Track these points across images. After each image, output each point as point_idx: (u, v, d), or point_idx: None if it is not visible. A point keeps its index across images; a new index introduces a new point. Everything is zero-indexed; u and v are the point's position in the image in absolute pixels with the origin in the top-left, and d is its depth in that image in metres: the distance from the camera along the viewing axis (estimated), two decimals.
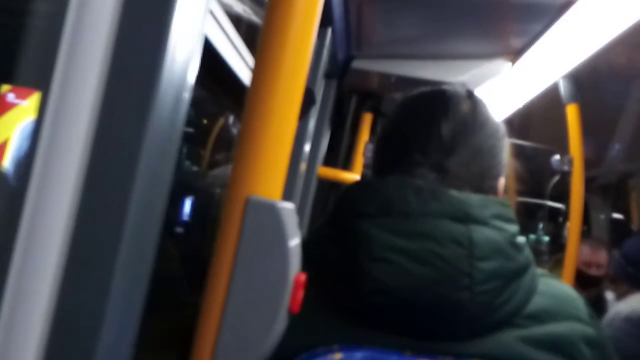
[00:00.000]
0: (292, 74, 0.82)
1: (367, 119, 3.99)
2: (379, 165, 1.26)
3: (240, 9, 1.86)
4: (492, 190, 1.21)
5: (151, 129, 0.72)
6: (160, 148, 0.76)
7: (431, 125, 1.19)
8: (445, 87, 1.29)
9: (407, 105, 1.30)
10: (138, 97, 0.71)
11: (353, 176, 3.67)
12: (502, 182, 1.24)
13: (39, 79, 0.73)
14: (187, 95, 0.79)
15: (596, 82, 3.26)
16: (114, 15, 0.71)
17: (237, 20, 1.59)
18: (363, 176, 3.68)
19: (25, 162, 0.72)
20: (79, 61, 0.71)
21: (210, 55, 1.40)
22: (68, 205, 0.71)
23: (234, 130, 6.83)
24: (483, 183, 1.19)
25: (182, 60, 0.76)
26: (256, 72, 0.83)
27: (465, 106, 1.22)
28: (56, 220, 0.71)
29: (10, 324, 0.70)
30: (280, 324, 0.81)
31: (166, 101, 0.74)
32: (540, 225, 6.52)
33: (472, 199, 1.10)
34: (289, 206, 0.83)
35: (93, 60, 0.71)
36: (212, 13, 1.30)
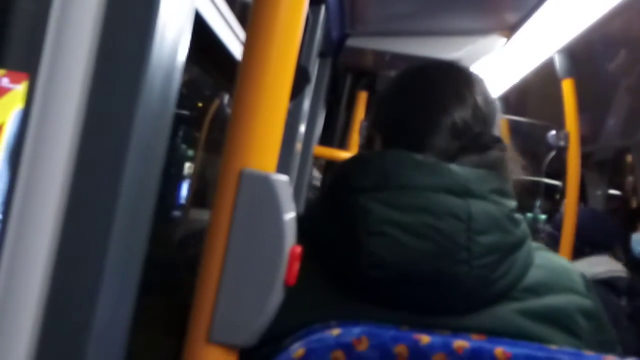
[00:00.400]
0: (284, 48, 0.82)
1: (362, 97, 3.98)
2: (388, 133, 1.23)
3: None
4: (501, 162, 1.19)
5: (142, 105, 0.71)
6: (152, 125, 0.75)
7: (464, 92, 1.19)
8: (450, 63, 1.29)
9: (423, 73, 1.29)
10: (128, 73, 0.71)
11: (349, 154, 3.66)
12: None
13: (29, 62, 0.72)
14: (178, 72, 0.78)
15: (591, 56, 3.25)
16: None
17: None
18: None
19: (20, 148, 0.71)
20: (67, 39, 0.70)
21: (201, 30, 1.39)
22: (59, 187, 0.70)
23: (229, 111, 6.83)
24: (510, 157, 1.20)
25: (172, 36, 0.75)
26: (247, 45, 0.82)
27: (481, 81, 1.23)
28: (48, 203, 0.70)
29: (1, 310, 0.69)
30: (277, 297, 0.81)
31: (157, 78, 0.73)
32: (537, 203, 6.53)
33: (471, 174, 1.09)
34: (283, 178, 0.82)
35: (81, 36, 0.71)
36: None
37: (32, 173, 0.70)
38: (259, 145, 0.80)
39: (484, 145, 1.16)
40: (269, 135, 0.81)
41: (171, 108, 0.79)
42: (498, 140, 1.18)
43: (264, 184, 0.79)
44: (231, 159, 0.80)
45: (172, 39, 0.75)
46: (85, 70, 0.70)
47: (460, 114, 1.17)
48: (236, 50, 1.68)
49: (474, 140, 1.16)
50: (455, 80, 1.22)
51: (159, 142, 0.78)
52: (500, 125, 1.24)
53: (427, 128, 1.17)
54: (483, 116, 1.18)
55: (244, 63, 0.81)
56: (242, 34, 1.71)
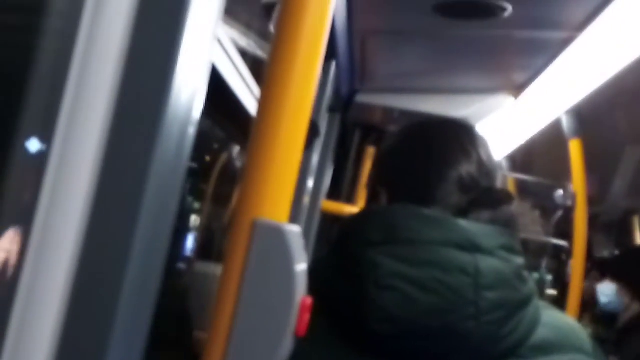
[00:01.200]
0: (298, 103, 0.83)
1: (370, 153, 4.00)
2: (393, 190, 1.24)
3: (245, 43, 1.87)
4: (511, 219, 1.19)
5: (157, 160, 0.71)
6: (166, 180, 0.75)
7: (469, 148, 1.20)
8: (454, 119, 1.30)
9: (428, 129, 1.29)
10: (144, 127, 0.71)
11: (356, 210, 3.67)
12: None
13: (47, 122, 0.73)
14: (193, 127, 0.79)
15: (599, 117, 3.27)
16: (123, 38, 0.72)
17: (242, 55, 1.60)
18: None
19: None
20: (85, 93, 0.71)
21: (216, 84, 1.41)
22: (74, 238, 0.70)
23: (238, 164, 6.84)
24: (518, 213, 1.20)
25: (189, 90, 0.76)
26: (263, 100, 0.84)
27: (482, 138, 1.24)
28: (62, 256, 0.70)
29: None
30: (287, 348, 0.81)
31: (172, 133, 0.74)
32: (544, 263, 6.50)
33: (479, 229, 1.10)
34: (295, 229, 0.83)
35: (100, 87, 0.72)
36: (219, 41, 1.31)
37: (46, 233, 0.71)
38: (272, 196, 0.81)
39: (496, 201, 1.16)
40: (282, 186, 0.82)
41: (185, 162, 0.80)
42: (510, 195, 1.18)
43: (277, 235, 0.80)
44: (244, 209, 0.81)
45: (188, 93, 0.76)
46: (103, 123, 0.71)
47: (466, 168, 1.17)
48: (249, 103, 1.70)
49: (485, 195, 1.16)
50: (459, 136, 1.23)
51: (171, 197, 0.78)
52: (504, 182, 1.24)
53: (433, 182, 1.17)
54: (488, 171, 1.19)
55: (259, 117, 0.83)
56: (255, 89, 1.73)
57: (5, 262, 0.83)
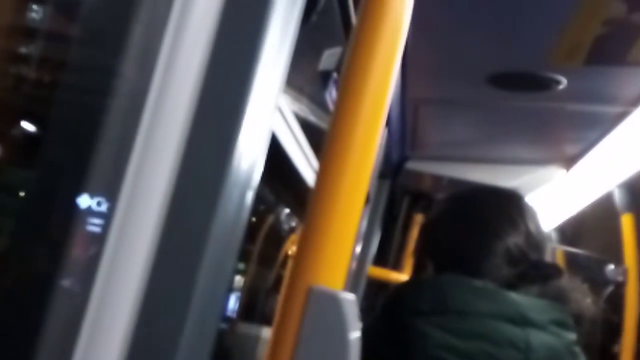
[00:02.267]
0: (357, 175, 0.84)
1: (418, 220, 3.98)
2: (439, 260, 1.24)
3: (298, 107, 1.90)
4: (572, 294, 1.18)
5: (217, 223, 0.73)
6: (224, 244, 0.76)
7: (517, 219, 1.19)
8: (502, 189, 1.30)
9: (476, 199, 1.29)
10: (207, 192, 0.72)
11: (403, 277, 3.65)
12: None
13: (112, 184, 0.75)
14: (252, 191, 0.81)
15: None
16: (189, 105, 0.74)
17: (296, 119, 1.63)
18: None
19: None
20: (152, 154, 0.73)
21: (275, 150, 1.43)
22: (132, 302, 0.71)
23: (286, 227, 6.85)
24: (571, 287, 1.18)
25: (251, 155, 0.77)
26: (322, 171, 0.85)
27: (532, 209, 1.23)
28: (120, 317, 0.71)
29: None
30: None
31: (233, 197, 0.75)
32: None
33: (530, 303, 1.09)
34: (350, 297, 0.83)
35: (165, 155, 0.73)
36: (280, 109, 1.34)
37: (104, 299, 0.72)
38: (328, 263, 0.82)
39: (545, 275, 1.15)
40: (339, 254, 0.82)
41: (243, 227, 0.80)
42: (559, 269, 1.17)
43: (333, 302, 0.80)
44: (299, 275, 0.82)
45: (250, 159, 0.77)
46: (167, 186, 0.73)
47: (514, 240, 1.16)
48: (305, 170, 1.72)
49: (534, 268, 1.15)
50: (507, 206, 1.23)
51: (228, 260, 0.79)
52: (553, 254, 1.24)
53: (480, 254, 1.17)
54: (536, 243, 1.18)
55: (318, 184, 0.84)
56: (309, 152, 1.75)
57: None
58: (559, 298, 1.14)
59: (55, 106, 0.99)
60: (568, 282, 1.18)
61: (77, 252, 0.85)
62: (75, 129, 0.95)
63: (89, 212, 0.84)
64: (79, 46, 0.99)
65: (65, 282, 0.84)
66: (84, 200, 0.85)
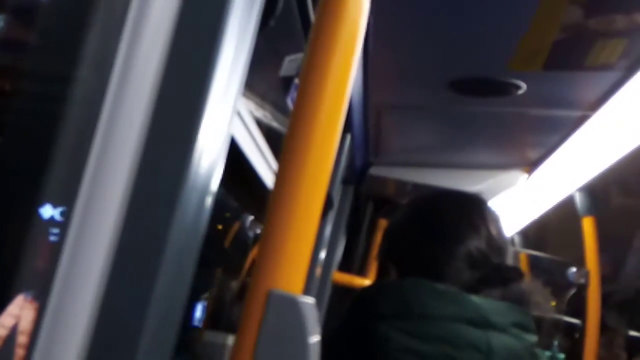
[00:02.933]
0: (316, 177, 0.84)
1: (382, 226, 4.00)
2: (401, 264, 1.24)
3: (261, 114, 1.90)
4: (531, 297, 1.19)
5: (175, 228, 0.72)
6: (184, 249, 0.75)
7: (478, 223, 1.19)
8: (463, 193, 1.30)
9: (437, 202, 1.30)
10: (164, 197, 0.72)
11: (368, 282, 3.65)
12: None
13: (67, 192, 0.74)
14: (211, 197, 0.80)
15: (612, 195, 3.28)
16: (146, 108, 0.73)
17: (258, 125, 1.63)
18: None
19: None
20: (108, 158, 0.73)
21: (233, 155, 1.42)
22: (89, 312, 0.71)
23: (250, 233, 6.84)
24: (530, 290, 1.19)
25: (208, 162, 0.77)
26: (280, 174, 0.85)
27: (493, 212, 1.24)
28: (79, 321, 0.71)
29: None
30: None
31: (191, 202, 0.74)
32: (555, 342, 6.41)
33: (492, 305, 1.10)
34: (309, 301, 0.83)
35: (123, 155, 0.73)
36: (239, 114, 1.34)
37: (62, 303, 0.71)
38: (288, 267, 0.81)
39: (506, 278, 1.16)
40: (298, 258, 0.82)
41: (202, 233, 0.80)
42: (520, 273, 1.18)
43: (291, 306, 0.80)
44: (259, 279, 0.82)
45: (208, 164, 0.77)
46: (123, 191, 0.72)
47: (475, 244, 1.17)
48: (264, 173, 1.72)
49: (495, 272, 1.16)
50: (468, 210, 1.23)
51: (187, 267, 0.79)
52: (515, 258, 1.25)
53: (441, 258, 1.17)
54: (498, 247, 1.18)
55: (276, 189, 0.84)
56: (271, 159, 1.75)
57: (20, 330, 0.83)
58: (520, 301, 1.14)
59: (11, 113, 0.98)
60: (529, 285, 1.19)
61: (33, 259, 0.85)
62: (31, 134, 0.94)
63: (46, 219, 0.84)
64: (34, 52, 0.98)
65: (23, 289, 0.83)
66: (41, 207, 0.84)
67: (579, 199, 3.17)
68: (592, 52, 1.89)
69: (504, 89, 2.25)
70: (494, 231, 1.19)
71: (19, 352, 0.90)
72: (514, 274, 1.17)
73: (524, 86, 2.21)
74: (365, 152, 3.21)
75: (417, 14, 1.81)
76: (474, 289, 1.14)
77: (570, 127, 2.56)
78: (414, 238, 1.25)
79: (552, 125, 2.64)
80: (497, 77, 2.18)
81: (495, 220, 1.23)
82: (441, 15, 1.80)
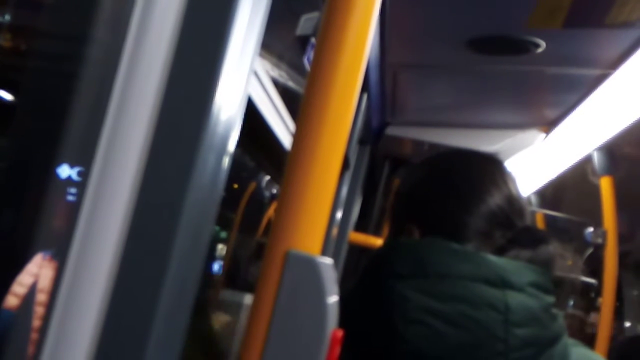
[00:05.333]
0: (333, 139, 0.84)
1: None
2: (423, 224, 1.22)
3: (277, 73, 1.89)
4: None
5: (193, 188, 0.72)
6: (201, 209, 0.76)
7: (499, 181, 1.18)
8: (480, 153, 1.29)
9: (456, 161, 1.28)
10: (182, 156, 0.72)
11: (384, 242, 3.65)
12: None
13: (84, 155, 0.74)
14: (229, 157, 0.80)
15: (631, 155, 3.25)
16: (163, 67, 0.73)
17: (275, 85, 1.62)
18: None
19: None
20: (125, 120, 0.73)
21: (249, 115, 1.42)
22: (111, 260, 0.71)
23: (267, 193, 6.85)
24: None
25: (225, 120, 0.77)
26: (298, 135, 0.85)
27: (510, 172, 1.23)
28: (99, 277, 0.71)
29: None
30: None
31: (209, 162, 0.74)
32: (571, 302, 6.42)
33: (509, 265, 1.09)
34: (327, 261, 0.84)
35: (140, 116, 0.73)
36: (256, 74, 1.33)
37: (81, 258, 0.71)
38: (305, 228, 0.82)
39: (536, 240, 1.15)
40: (316, 219, 0.82)
41: (220, 192, 0.80)
42: (548, 235, 1.17)
43: (309, 266, 0.80)
44: (277, 240, 0.82)
45: (225, 124, 0.77)
46: (140, 152, 0.72)
47: (497, 202, 1.16)
48: (282, 134, 1.71)
49: (524, 234, 1.15)
50: (488, 168, 1.22)
51: (206, 226, 0.79)
52: (532, 218, 1.24)
53: (464, 217, 1.16)
54: (519, 207, 1.18)
55: (294, 149, 0.84)
56: (288, 120, 1.74)
57: (39, 289, 0.84)
58: (547, 264, 1.14)
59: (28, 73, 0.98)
60: (557, 248, 1.18)
61: (51, 221, 0.85)
62: (47, 98, 0.94)
63: (63, 178, 0.84)
64: (51, 13, 0.98)
65: (41, 249, 0.84)
66: (59, 167, 0.85)
67: (597, 159, 3.15)
68: (613, 10, 1.87)
69: (522, 48, 2.22)
70: (514, 191, 1.18)
71: (38, 310, 0.91)
72: (543, 236, 1.16)
73: (543, 44, 2.18)
74: (382, 111, 3.19)
75: None
76: (503, 249, 1.13)
77: (589, 86, 2.54)
78: (432, 197, 1.23)
79: (570, 84, 2.61)
80: (515, 35, 2.15)
81: (514, 180, 1.22)
82: None
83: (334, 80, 0.83)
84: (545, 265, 1.12)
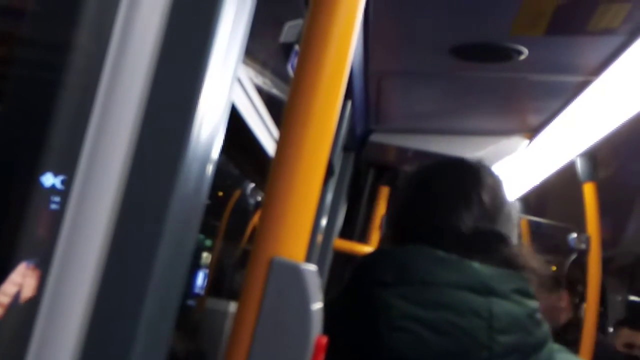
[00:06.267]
0: (317, 145, 0.84)
1: (383, 192, 4.00)
2: (399, 233, 1.24)
3: (261, 81, 1.89)
4: (522, 260, 1.18)
5: (177, 196, 0.72)
6: (185, 217, 0.75)
7: (470, 192, 1.18)
8: (464, 158, 1.30)
9: (433, 172, 1.29)
10: (165, 164, 0.72)
11: (369, 249, 3.66)
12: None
13: (67, 163, 0.74)
14: (212, 164, 0.80)
15: (613, 161, 3.27)
16: (146, 74, 0.72)
17: (258, 93, 1.62)
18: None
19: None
20: (108, 128, 0.72)
21: (233, 122, 1.42)
22: (94, 267, 0.71)
23: (252, 201, 6.84)
24: (518, 253, 1.18)
25: (209, 128, 0.77)
26: (281, 141, 0.85)
27: (490, 178, 1.23)
28: (81, 285, 0.70)
29: None
30: None
31: (192, 170, 0.74)
32: None
33: (493, 272, 1.10)
34: (312, 268, 0.84)
35: (123, 124, 0.72)
36: (239, 81, 1.33)
37: (65, 266, 0.71)
38: (289, 235, 0.82)
39: (488, 244, 1.15)
40: (300, 225, 0.82)
41: (203, 200, 0.80)
42: (502, 237, 1.17)
43: (294, 273, 0.80)
44: (262, 247, 0.82)
45: (209, 131, 0.77)
46: (124, 160, 0.72)
47: (464, 213, 1.16)
48: (266, 141, 1.71)
49: (475, 238, 1.15)
50: (462, 179, 1.22)
51: (189, 235, 0.79)
52: (515, 221, 1.23)
53: (433, 228, 1.17)
54: (490, 214, 1.18)
55: (277, 156, 0.84)
56: (272, 127, 1.74)
57: (22, 297, 0.83)
58: (510, 265, 1.14)
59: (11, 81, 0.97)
60: (515, 250, 1.17)
61: (35, 230, 0.84)
62: (30, 106, 0.94)
63: (47, 187, 0.83)
64: (34, 20, 0.97)
65: (25, 258, 0.83)
66: (42, 177, 0.84)
67: (580, 165, 3.17)
68: (594, 17, 1.88)
69: (505, 55, 2.23)
70: (486, 198, 1.18)
71: (21, 319, 0.90)
72: (495, 238, 1.16)
73: (525, 51, 2.19)
74: (366, 118, 3.20)
75: None
76: (467, 256, 1.13)
77: (571, 93, 2.55)
78: (408, 208, 1.25)
79: (553, 91, 2.63)
80: (498, 42, 2.16)
81: (491, 186, 1.21)
82: None
83: (318, 87, 0.83)
84: (507, 266, 1.13)
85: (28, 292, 0.83)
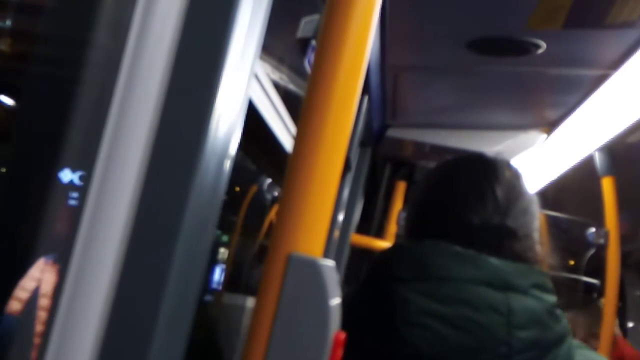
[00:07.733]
0: (334, 141, 0.84)
1: (400, 187, 3.99)
2: (416, 228, 1.24)
3: (278, 76, 1.89)
4: (533, 255, 1.17)
5: (195, 193, 0.72)
6: (203, 214, 0.75)
7: (484, 188, 1.18)
8: (483, 154, 1.29)
9: (450, 169, 1.29)
10: (183, 161, 0.72)
11: (386, 244, 3.65)
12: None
13: (85, 160, 0.74)
14: (230, 160, 0.80)
15: (632, 155, 3.25)
16: (164, 70, 0.73)
17: (275, 88, 1.62)
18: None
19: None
20: (126, 124, 0.73)
21: (250, 118, 1.42)
22: (114, 263, 0.71)
23: (269, 196, 6.85)
24: (529, 247, 1.17)
25: (227, 125, 0.77)
26: (299, 137, 0.85)
27: (507, 172, 1.22)
28: (101, 280, 0.71)
29: None
30: None
31: (210, 166, 0.74)
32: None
33: (511, 267, 1.09)
34: (330, 264, 0.84)
35: (141, 120, 0.73)
36: (257, 77, 1.33)
37: (84, 262, 0.71)
38: (307, 230, 0.81)
39: (497, 239, 1.14)
40: (317, 221, 0.82)
41: (221, 196, 0.80)
42: (510, 232, 1.15)
43: (311, 269, 0.80)
44: (279, 243, 0.82)
45: (226, 127, 0.77)
46: (142, 156, 0.72)
47: (480, 211, 1.16)
48: (283, 136, 1.72)
49: (488, 233, 1.15)
50: (477, 176, 1.22)
51: (207, 230, 0.79)
52: (534, 215, 1.21)
53: (448, 226, 1.17)
54: (503, 209, 1.17)
55: (295, 151, 0.84)
56: (289, 122, 1.74)
57: (41, 293, 0.84)
58: (521, 259, 1.13)
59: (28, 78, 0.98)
60: (523, 245, 1.16)
61: (53, 226, 0.85)
62: (48, 103, 0.94)
63: (66, 185, 0.84)
64: (52, 16, 0.98)
65: (44, 254, 0.84)
66: (61, 173, 0.84)
67: (598, 159, 3.15)
68: (613, 10, 1.86)
69: (523, 48, 2.22)
70: (500, 192, 1.17)
71: (41, 314, 0.91)
72: (501, 233, 1.15)
73: (543, 45, 2.18)
74: (382, 113, 3.19)
75: None
76: (479, 251, 1.13)
77: (589, 87, 2.54)
78: (424, 205, 1.25)
79: (571, 85, 2.61)
80: (516, 36, 2.15)
81: (508, 180, 1.20)
82: None
83: (335, 83, 0.83)
84: (516, 260, 1.12)
85: (47, 287, 0.83)
